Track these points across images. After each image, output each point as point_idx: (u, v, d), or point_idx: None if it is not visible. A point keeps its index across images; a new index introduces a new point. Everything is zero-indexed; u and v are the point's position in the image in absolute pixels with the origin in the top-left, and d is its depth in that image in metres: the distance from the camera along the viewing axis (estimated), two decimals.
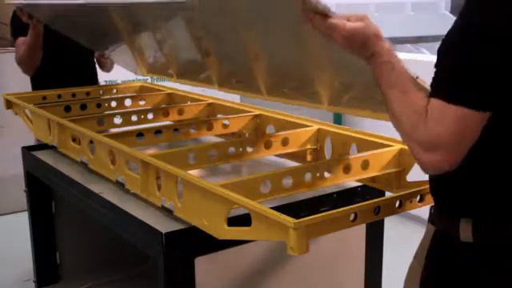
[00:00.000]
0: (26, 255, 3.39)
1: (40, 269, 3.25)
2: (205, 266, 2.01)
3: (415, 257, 1.61)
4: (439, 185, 1.53)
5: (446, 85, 1.33)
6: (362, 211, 1.67)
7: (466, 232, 1.43)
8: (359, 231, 2.34)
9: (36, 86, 3.76)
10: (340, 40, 1.49)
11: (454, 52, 1.33)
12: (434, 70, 1.38)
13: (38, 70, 3.75)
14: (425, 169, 1.38)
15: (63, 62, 3.77)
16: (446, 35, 1.36)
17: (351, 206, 1.65)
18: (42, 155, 2.99)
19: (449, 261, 1.50)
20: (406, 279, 1.63)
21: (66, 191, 2.70)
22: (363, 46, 1.47)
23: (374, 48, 1.46)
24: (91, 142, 2.60)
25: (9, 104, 3.39)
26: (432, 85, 1.38)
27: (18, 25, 3.64)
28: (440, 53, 1.37)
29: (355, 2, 6.99)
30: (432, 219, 1.57)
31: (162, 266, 1.95)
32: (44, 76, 3.76)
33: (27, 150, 3.13)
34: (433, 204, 1.59)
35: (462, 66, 1.30)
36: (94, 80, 4.00)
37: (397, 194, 1.83)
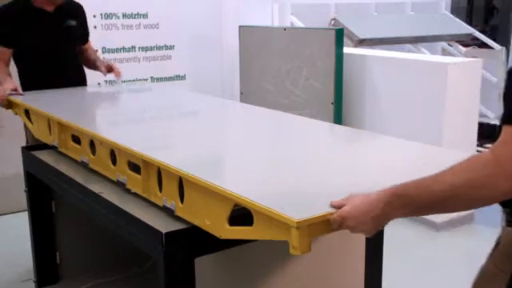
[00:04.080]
0: (26, 255, 3.39)
1: (40, 269, 3.25)
2: (206, 266, 2.00)
3: (492, 261, 1.56)
4: None
5: None
6: None
7: None
8: None
9: (26, 85, 3.67)
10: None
11: None
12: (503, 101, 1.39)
13: (27, 70, 3.74)
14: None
15: (53, 63, 3.75)
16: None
17: None
18: (42, 155, 2.98)
19: None
20: (480, 282, 1.59)
21: (66, 191, 2.70)
22: (375, 215, 1.47)
23: (382, 206, 1.46)
24: (92, 141, 2.59)
25: (9, 104, 3.39)
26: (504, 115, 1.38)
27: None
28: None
29: (355, 1, 7.00)
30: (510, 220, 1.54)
31: (163, 267, 1.94)
32: (33, 76, 3.73)
33: (27, 150, 3.13)
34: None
35: None
36: (83, 80, 4.01)
37: None
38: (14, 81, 3.64)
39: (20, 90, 3.50)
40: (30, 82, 3.70)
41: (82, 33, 4.01)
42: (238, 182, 1.91)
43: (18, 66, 3.79)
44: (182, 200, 2.02)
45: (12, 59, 3.75)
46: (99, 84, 4.44)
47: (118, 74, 3.89)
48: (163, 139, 2.55)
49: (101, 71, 3.92)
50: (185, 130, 2.73)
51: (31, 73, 3.76)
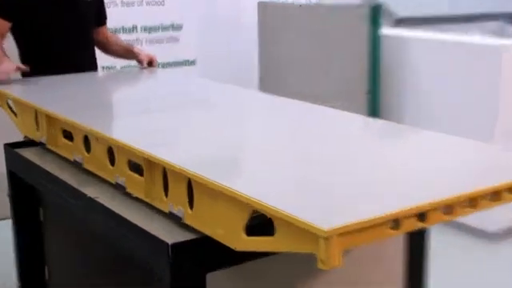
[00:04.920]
0: (10, 269, 3.37)
1: (26, 285, 3.22)
2: (218, 283, 1.97)
3: None
4: None
5: None
6: (405, 217, 1.63)
7: None
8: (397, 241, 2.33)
9: (27, 61, 3.67)
10: None
11: None
12: None
13: (29, 50, 3.75)
14: None
15: (60, 42, 3.75)
16: None
17: (391, 211, 1.60)
18: (28, 153, 2.95)
19: None
20: None
21: (56, 196, 2.68)
22: None
23: None
24: (86, 137, 2.55)
25: None
26: None
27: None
28: None
29: None
30: None
31: (169, 283, 1.91)
32: (37, 58, 3.72)
33: (10, 148, 3.10)
34: None
35: None
36: (94, 63, 4.02)
37: (445, 198, 1.74)
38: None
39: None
40: (31, 66, 3.65)
41: (98, 12, 4.00)
42: (256, 185, 1.88)
43: (19, 47, 3.78)
44: (191, 206, 2.00)
45: (12, 37, 3.74)
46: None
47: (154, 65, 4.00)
48: (170, 134, 2.51)
49: (139, 61, 3.96)
50: (196, 124, 2.68)
51: (34, 54, 3.74)
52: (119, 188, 2.37)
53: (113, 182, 2.41)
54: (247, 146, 2.44)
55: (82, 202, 2.45)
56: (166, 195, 2.12)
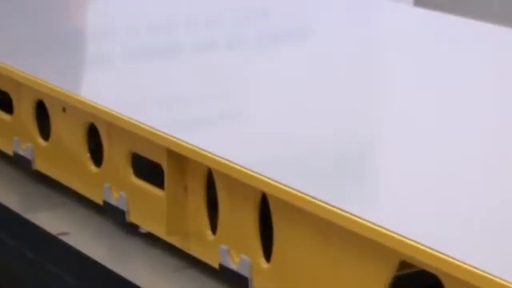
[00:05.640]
0: None
1: None
2: None
3: None
4: None
5: None
6: None
7: None
8: None
9: None
10: None
11: None
12: None
13: None
14: None
15: None
16: None
17: None
18: None
19: None
20: None
21: None
22: None
23: None
24: (41, 105, 1.86)
25: None
26: None
27: None
28: None
29: None
30: None
31: None
32: None
33: None
34: None
35: None
36: None
37: None
38: None
39: None
40: None
41: None
42: (398, 212, 1.29)
43: None
44: (267, 254, 1.41)
45: None
46: None
47: None
48: (217, 101, 1.82)
49: None
50: (269, 78, 1.95)
51: None
52: (111, 213, 1.68)
53: (99, 200, 1.71)
54: (375, 129, 1.71)
55: (33, 244, 1.79)
56: (214, 231, 1.51)
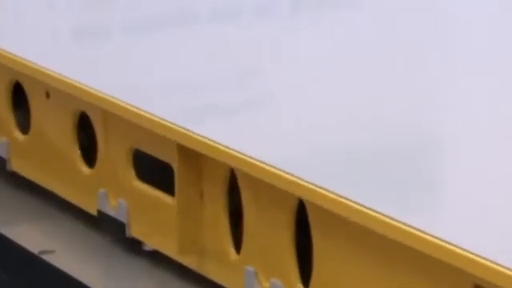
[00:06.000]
0: None
1: None
2: None
3: None
4: None
5: None
6: None
7: None
8: None
9: None
10: None
11: None
12: None
13: None
14: None
15: None
16: None
17: None
18: None
19: None
20: None
21: None
22: None
23: None
24: (18, 88, 1.81)
25: None
26: None
27: None
28: None
29: None
30: None
31: None
32: None
33: None
34: None
35: None
36: None
37: None
38: None
39: None
40: None
41: None
42: (470, 227, 1.22)
43: None
44: (303, 276, 1.30)
45: None
46: None
47: None
48: (241, 84, 1.70)
49: None
50: (306, 54, 1.82)
51: None
52: (109, 226, 1.60)
53: (92, 210, 1.63)
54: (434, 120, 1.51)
55: (9, 267, 1.68)
56: (237, 248, 1.38)
